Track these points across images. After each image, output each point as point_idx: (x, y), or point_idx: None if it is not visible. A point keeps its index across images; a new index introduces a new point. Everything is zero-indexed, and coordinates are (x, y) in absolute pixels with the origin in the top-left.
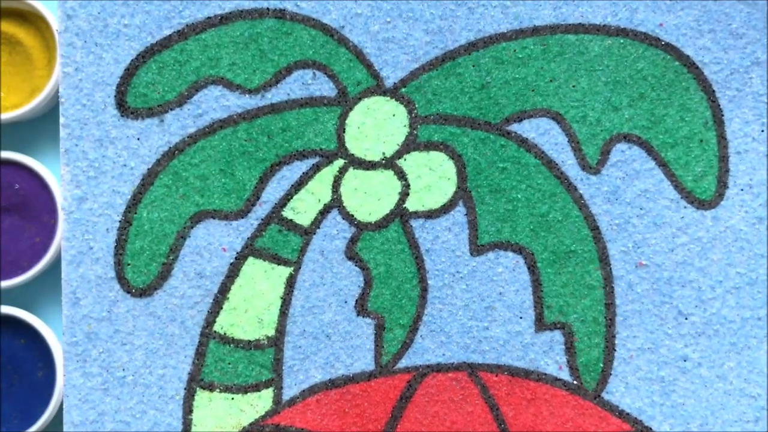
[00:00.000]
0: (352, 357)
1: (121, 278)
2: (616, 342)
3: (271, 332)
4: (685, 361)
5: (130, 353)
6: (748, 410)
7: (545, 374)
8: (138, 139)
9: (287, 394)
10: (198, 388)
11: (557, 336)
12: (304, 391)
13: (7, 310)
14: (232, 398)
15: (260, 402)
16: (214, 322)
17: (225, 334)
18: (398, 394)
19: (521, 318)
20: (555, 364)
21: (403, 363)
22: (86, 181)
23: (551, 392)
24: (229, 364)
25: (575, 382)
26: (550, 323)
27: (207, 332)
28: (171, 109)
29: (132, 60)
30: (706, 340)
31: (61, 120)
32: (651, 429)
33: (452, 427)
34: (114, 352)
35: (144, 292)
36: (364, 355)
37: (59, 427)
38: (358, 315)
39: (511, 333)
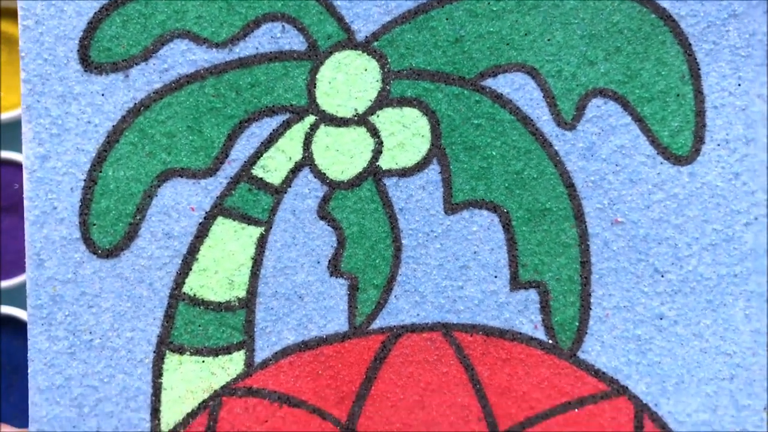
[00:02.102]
0: (325, 318)
1: (86, 239)
2: (591, 300)
3: (242, 294)
4: (661, 319)
5: (97, 316)
6: (724, 368)
7: (520, 334)
8: (102, 95)
9: (259, 356)
10: (167, 351)
11: (532, 295)
12: (276, 353)
13: (7, 310)
14: (203, 361)
15: (232, 365)
16: (184, 283)
17: (195, 295)
18: (372, 355)
19: (496, 277)
20: (530, 324)
21: (377, 324)
22: (49, 138)
23: (526, 352)
24: (199, 326)
25: (550, 341)
26: (525, 282)
27: (176, 294)
28: (136, 64)
29: (95, 13)
30: (682, 297)
31: (22, 75)
32: (627, 388)
33: (427, 387)
34: (80, 315)
35: (110, 253)
36: (338, 316)
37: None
38: (331, 275)
39: (486, 292)
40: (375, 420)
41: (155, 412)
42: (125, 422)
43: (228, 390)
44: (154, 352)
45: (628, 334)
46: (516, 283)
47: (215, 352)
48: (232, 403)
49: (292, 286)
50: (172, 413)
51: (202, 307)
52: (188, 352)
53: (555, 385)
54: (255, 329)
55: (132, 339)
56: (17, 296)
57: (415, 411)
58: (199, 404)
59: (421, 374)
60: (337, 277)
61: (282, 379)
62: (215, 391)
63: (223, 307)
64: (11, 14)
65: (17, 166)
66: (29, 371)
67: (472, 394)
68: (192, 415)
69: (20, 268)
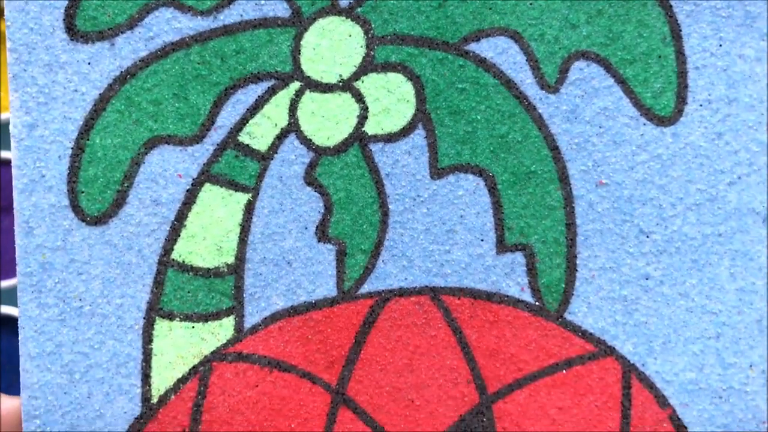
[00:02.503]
0: (314, 283)
1: (75, 206)
2: (577, 262)
3: (231, 260)
4: (646, 279)
5: (87, 283)
6: (710, 326)
7: (507, 296)
8: (89, 63)
9: (249, 321)
10: (157, 318)
11: (519, 258)
12: (266, 318)
13: (7, 310)
14: (193, 327)
15: (221, 330)
16: (172, 250)
17: (183, 262)
18: (361, 320)
19: (482, 241)
20: (517, 286)
21: (365, 288)
22: (36, 107)
23: (514, 314)
24: (189, 292)
25: (537, 303)
26: (511, 245)
27: (165, 260)
28: (122, 33)
29: None
30: (667, 257)
31: (8, 45)
32: (614, 348)
33: (416, 350)
34: (70, 282)
35: (99, 220)
36: (326, 281)
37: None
38: (319, 241)
39: (473, 256)
40: (365, 384)
41: (146, 377)
42: (116, 388)
43: (218, 355)
44: (144, 318)
45: (614, 294)
46: (502, 246)
47: (205, 317)
48: (222, 369)
49: (280, 251)
50: (162, 379)
51: (191, 274)
52: (178, 318)
53: (542, 346)
54: (244, 295)
55: (122, 305)
56: (17, 296)
57: (404, 374)
58: (190, 370)
59: (410, 338)
60: (324, 243)
61: (272, 344)
62: (205, 356)
63: (212, 273)
64: None
65: None
66: (20, 338)
67: (461, 356)
68: (182, 380)
69: None
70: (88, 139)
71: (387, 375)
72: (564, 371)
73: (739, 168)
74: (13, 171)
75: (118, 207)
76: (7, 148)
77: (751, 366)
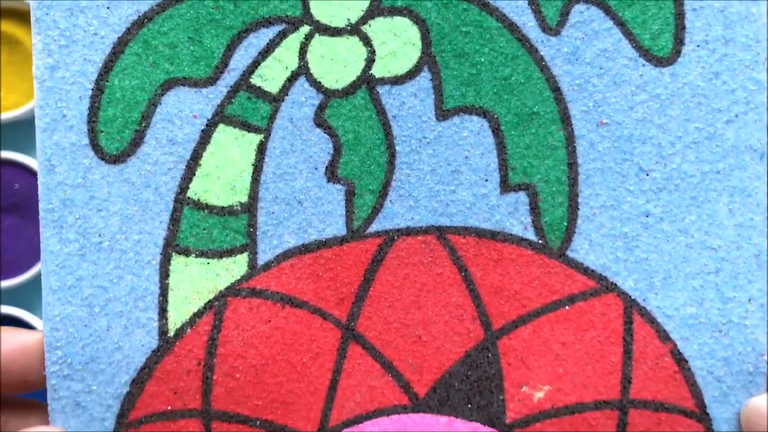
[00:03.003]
0: (324, 222)
1: (94, 145)
2: (579, 200)
3: (244, 198)
4: (647, 216)
5: (106, 219)
6: (709, 262)
7: (511, 235)
8: (108, 8)
9: (262, 259)
10: (174, 253)
11: (522, 197)
12: (278, 256)
13: (7, 310)
14: (208, 263)
15: (235, 266)
16: (188, 188)
17: (198, 200)
18: (370, 258)
19: (487, 180)
20: (520, 225)
21: (373, 228)
22: (58, 49)
23: (517, 252)
24: (204, 229)
25: (540, 241)
26: (514, 185)
27: (181, 198)
28: None
29: None
30: (667, 195)
31: None
32: (616, 285)
33: (423, 288)
34: (90, 219)
35: (117, 158)
36: (336, 220)
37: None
38: (328, 181)
39: (478, 196)
40: (374, 320)
41: (162, 311)
42: (134, 321)
43: (232, 291)
44: (161, 254)
45: (615, 232)
46: (506, 186)
47: (219, 254)
48: (236, 303)
49: (292, 191)
50: (179, 313)
51: (206, 211)
52: (193, 254)
53: (545, 283)
54: (257, 233)
55: (139, 241)
56: (17, 296)
57: (411, 311)
58: (205, 304)
59: (417, 276)
60: (334, 183)
61: (284, 281)
62: (220, 291)
63: (226, 211)
64: (11, 14)
65: (17, 166)
66: (42, 272)
67: (466, 294)
68: (198, 314)
69: (20, 268)
70: (107, 81)
71: (395, 312)
72: (567, 307)
73: (736, 107)
74: (36, 111)
75: (136, 146)
76: (7, 148)
77: (750, 300)
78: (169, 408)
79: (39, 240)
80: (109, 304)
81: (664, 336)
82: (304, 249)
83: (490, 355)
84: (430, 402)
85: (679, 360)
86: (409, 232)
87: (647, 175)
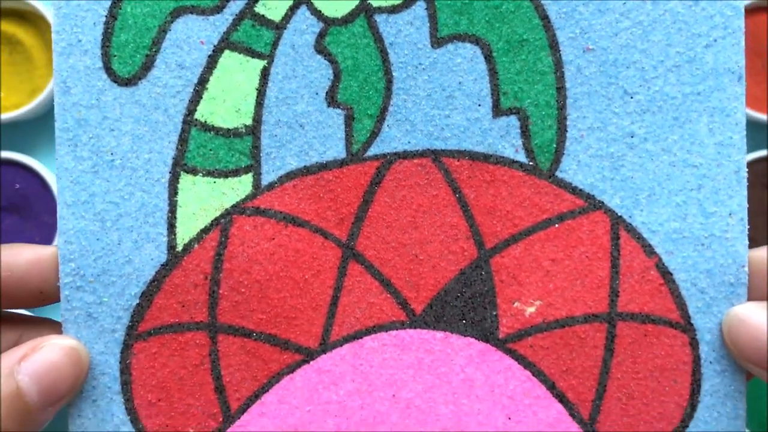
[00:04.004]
0: (324, 145)
1: (108, 69)
2: (567, 123)
3: (249, 121)
4: (632, 137)
5: (118, 138)
6: (692, 179)
7: (503, 157)
8: None
9: (266, 179)
10: (182, 172)
11: (513, 121)
12: (281, 176)
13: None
14: (215, 182)
15: (241, 186)
16: (195, 110)
17: (205, 122)
18: (368, 180)
19: (480, 105)
20: (512, 147)
21: (371, 151)
22: None
23: (509, 174)
24: (211, 150)
25: (531, 163)
26: (506, 109)
27: (189, 120)
28: None
29: None
30: (650, 116)
31: None
32: (603, 202)
33: (419, 209)
34: (102, 138)
35: (129, 81)
36: (336, 143)
37: (60, 427)
38: (328, 106)
39: (471, 120)
40: (372, 239)
41: (171, 227)
42: (144, 236)
43: (238, 209)
44: (170, 172)
45: (602, 152)
46: (498, 110)
47: (225, 174)
48: (241, 221)
49: (294, 115)
50: (186, 229)
51: (212, 133)
52: (201, 174)
53: (536, 203)
54: (261, 154)
55: (149, 160)
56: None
57: (408, 231)
58: (212, 221)
59: (413, 197)
60: (333, 108)
61: (287, 201)
62: (226, 209)
63: (232, 133)
64: (11, 14)
65: (17, 166)
66: (57, 188)
67: (460, 214)
68: (205, 230)
69: None
70: (119, 8)
71: (393, 231)
72: (556, 225)
73: (715, 31)
74: (53, 36)
75: (147, 70)
76: (7, 148)
77: (730, 214)
78: (177, 320)
79: (39, 240)
80: (121, 219)
81: (649, 250)
82: (306, 171)
83: (483, 272)
84: (427, 318)
85: (664, 273)
86: (405, 155)
87: (632, 97)
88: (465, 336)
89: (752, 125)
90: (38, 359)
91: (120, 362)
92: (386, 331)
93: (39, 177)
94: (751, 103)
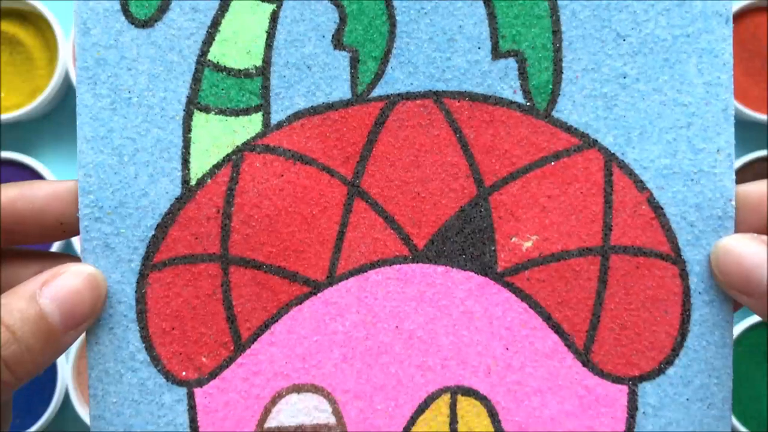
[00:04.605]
0: (330, 86)
1: (125, 11)
2: (563, 65)
3: (258, 62)
4: (624, 77)
5: (135, 77)
6: (681, 117)
7: (501, 98)
8: None
9: (275, 118)
10: (195, 110)
11: (511, 63)
12: (289, 116)
13: None
14: (226, 120)
15: (251, 124)
16: (208, 51)
17: (218, 62)
18: (373, 120)
19: (479, 48)
20: (510, 89)
21: (376, 92)
22: None
23: (507, 114)
24: (222, 89)
25: (528, 103)
26: (504, 52)
27: (202, 60)
28: None
29: None
30: (642, 58)
31: None
32: (597, 141)
33: (421, 148)
34: (120, 76)
35: (146, 23)
36: (342, 84)
37: (60, 427)
38: (334, 48)
39: (471, 62)
40: (377, 177)
41: (185, 162)
42: (159, 170)
43: (248, 146)
44: (184, 110)
45: (596, 93)
46: (497, 52)
47: (236, 112)
48: (252, 158)
49: (301, 57)
50: (200, 164)
51: (224, 73)
52: (213, 112)
53: (533, 142)
54: (270, 94)
55: (165, 98)
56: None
57: (411, 170)
58: (224, 157)
59: (416, 137)
60: (339, 50)
61: (295, 139)
62: (237, 146)
63: (243, 73)
64: (11, 14)
65: (17, 166)
66: (77, 124)
67: (461, 153)
68: (217, 166)
69: None
70: None
71: (396, 170)
72: (552, 163)
73: None
74: None
75: (162, 12)
76: (7, 148)
77: (718, 150)
78: (191, 252)
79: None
80: (137, 154)
81: (641, 186)
82: (313, 111)
83: (482, 209)
84: (428, 253)
85: (655, 207)
86: (408, 96)
87: (624, 40)
88: (465, 270)
89: (752, 125)
90: (59, 284)
91: (136, 291)
92: (390, 266)
93: (39, 177)
94: (751, 103)
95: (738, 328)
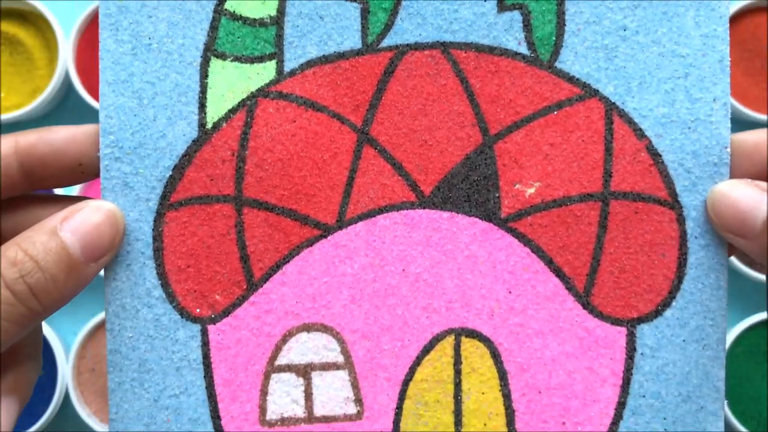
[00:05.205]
0: (342, 36)
1: None
2: (566, 18)
3: (273, 12)
4: (624, 30)
5: (155, 24)
6: (679, 68)
7: (507, 49)
8: None
9: (288, 66)
10: (212, 57)
11: (516, 15)
12: (302, 64)
13: None
14: (242, 67)
15: (265, 72)
16: (225, 1)
17: (234, 11)
18: (382, 69)
19: (486, 1)
20: (515, 41)
21: (385, 43)
22: None
23: (512, 65)
24: (238, 37)
25: (532, 54)
26: (510, 4)
27: (219, 9)
28: None
29: None
30: (641, 11)
31: None
32: (598, 91)
33: (428, 98)
34: (141, 23)
35: None
36: (353, 34)
37: (60, 427)
38: (346, 0)
39: (477, 14)
40: (385, 125)
41: (202, 106)
42: (177, 113)
43: (262, 92)
44: (201, 56)
45: (597, 44)
46: (502, 5)
47: (251, 60)
48: (266, 104)
49: (314, 7)
50: (216, 108)
51: (240, 22)
52: (229, 59)
53: (537, 92)
54: (284, 43)
55: (183, 45)
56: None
57: (418, 118)
58: (239, 102)
59: (423, 86)
60: (351, 1)
61: (307, 87)
62: (252, 92)
63: (258, 22)
64: (11, 14)
65: None
66: (100, 68)
67: (467, 103)
68: (233, 111)
69: None
70: None
71: (404, 118)
72: (555, 112)
73: None
74: None
75: None
76: None
77: (714, 100)
78: (206, 193)
79: None
80: (156, 98)
81: (640, 134)
82: (325, 59)
83: (487, 157)
84: (435, 199)
85: (654, 154)
86: (417, 47)
87: None
88: (469, 216)
89: (752, 125)
90: (79, 218)
91: (153, 229)
92: (397, 211)
93: None
94: (751, 103)
95: (738, 329)
